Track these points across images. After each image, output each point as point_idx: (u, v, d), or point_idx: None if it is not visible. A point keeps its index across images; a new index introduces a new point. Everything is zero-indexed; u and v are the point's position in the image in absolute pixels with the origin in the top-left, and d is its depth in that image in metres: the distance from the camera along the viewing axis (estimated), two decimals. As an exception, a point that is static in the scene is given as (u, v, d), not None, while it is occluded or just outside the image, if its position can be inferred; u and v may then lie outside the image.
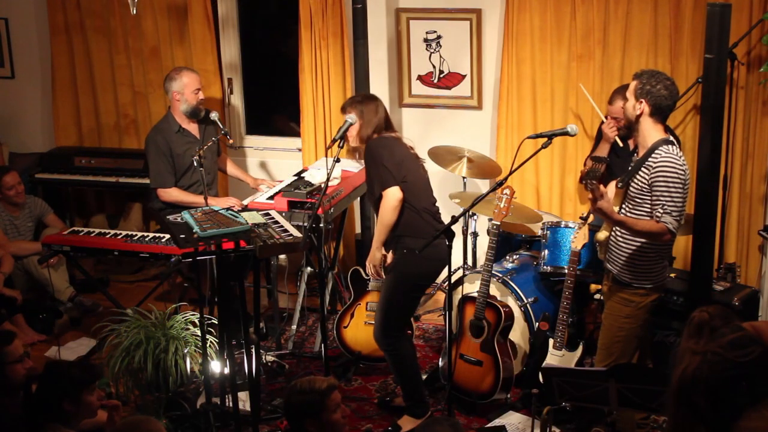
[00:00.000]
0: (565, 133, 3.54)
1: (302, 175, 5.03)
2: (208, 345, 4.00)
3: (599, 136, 4.85)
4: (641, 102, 3.43)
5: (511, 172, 3.71)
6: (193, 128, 4.99)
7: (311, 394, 2.97)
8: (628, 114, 3.51)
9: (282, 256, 5.37)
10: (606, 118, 4.68)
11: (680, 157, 3.42)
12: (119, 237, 4.97)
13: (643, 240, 3.49)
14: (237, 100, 6.16)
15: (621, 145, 4.56)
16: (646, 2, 4.97)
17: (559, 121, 5.22)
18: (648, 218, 3.43)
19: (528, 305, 4.39)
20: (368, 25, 5.23)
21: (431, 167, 4.54)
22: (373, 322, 4.17)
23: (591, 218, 3.98)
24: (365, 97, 4.17)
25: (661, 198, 3.36)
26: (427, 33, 5.53)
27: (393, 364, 4.08)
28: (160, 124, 5.02)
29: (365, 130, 4.02)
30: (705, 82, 3.93)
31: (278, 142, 6.16)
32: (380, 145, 3.98)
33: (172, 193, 4.89)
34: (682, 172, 3.38)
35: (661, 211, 3.35)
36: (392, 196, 3.88)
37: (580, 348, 4.11)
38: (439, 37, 5.51)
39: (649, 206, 3.43)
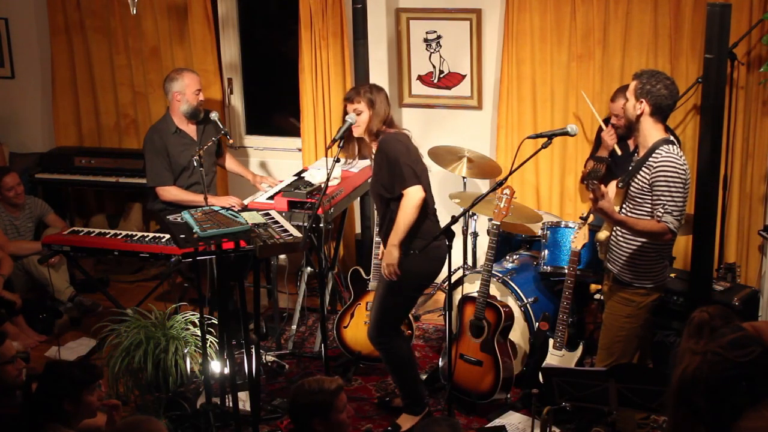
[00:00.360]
0: (565, 133, 3.54)
1: (302, 175, 5.03)
2: (208, 345, 4.00)
3: (598, 139, 4.85)
4: (641, 102, 3.43)
5: (511, 172, 3.70)
6: (191, 130, 5.00)
7: (321, 393, 2.97)
8: (629, 114, 3.51)
9: (282, 256, 5.37)
10: (605, 124, 4.67)
11: (681, 156, 3.42)
12: (119, 237, 4.97)
13: (643, 240, 3.49)
14: (237, 100, 6.16)
15: (619, 153, 4.55)
16: (646, 2, 4.97)
17: (559, 121, 5.22)
18: (649, 218, 3.43)
19: (528, 305, 4.39)
20: (368, 25, 5.23)
21: (431, 167, 4.54)
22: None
23: (591, 218, 3.98)
24: (374, 87, 3.98)
25: (662, 198, 3.36)
26: (427, 33, 5.53)
27: (388, 363, 4.06)
28: (158, 124, 5.02)
29: (375, 121, 3.87)
30: (705, 82, 3.93)
31: (278, 142, 6.16)
32: (397, 139, 3.87)
33: (172, 191, 4.89)
34: (683, 172, 3.38)
35: (662, 210, 3.35)
36: (416, 194, 3.78)
37: (580, 348, 4.11)
38: (439, 37, 5.51)
39: (649, 206, 3.43)
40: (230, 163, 5.39)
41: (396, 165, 3.81)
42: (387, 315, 3.99)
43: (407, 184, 3.78)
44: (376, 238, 4.63)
